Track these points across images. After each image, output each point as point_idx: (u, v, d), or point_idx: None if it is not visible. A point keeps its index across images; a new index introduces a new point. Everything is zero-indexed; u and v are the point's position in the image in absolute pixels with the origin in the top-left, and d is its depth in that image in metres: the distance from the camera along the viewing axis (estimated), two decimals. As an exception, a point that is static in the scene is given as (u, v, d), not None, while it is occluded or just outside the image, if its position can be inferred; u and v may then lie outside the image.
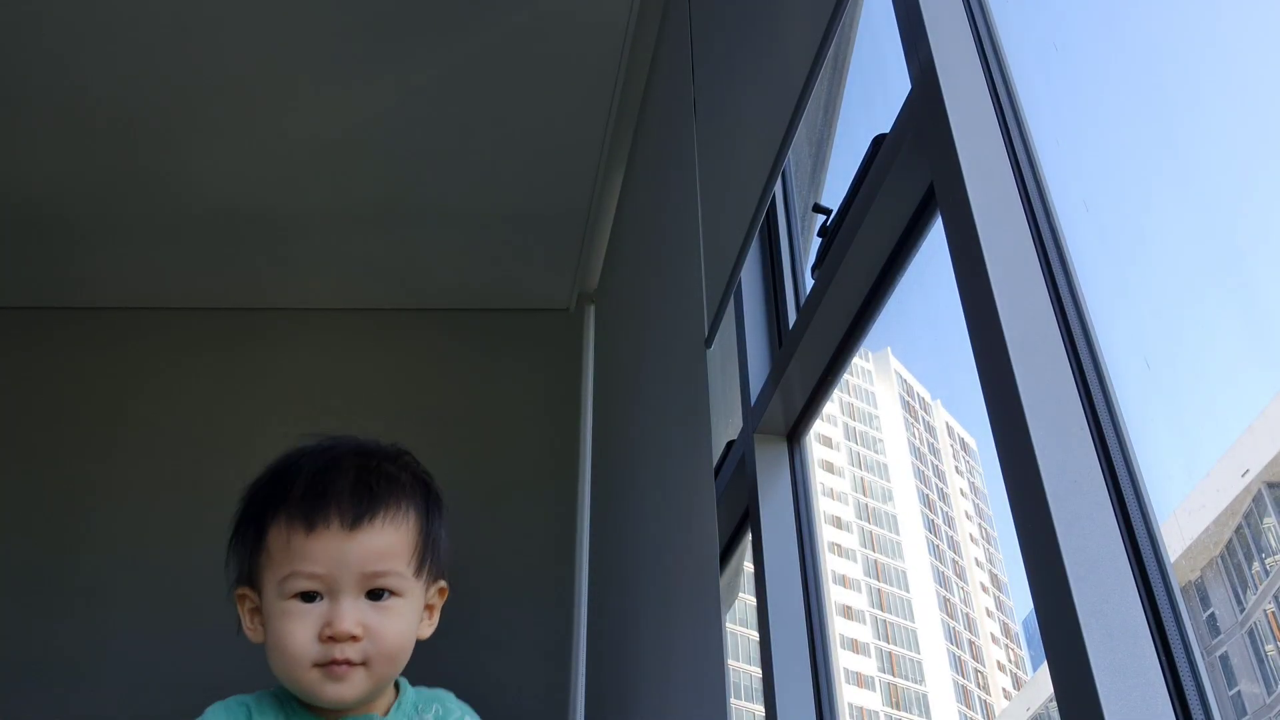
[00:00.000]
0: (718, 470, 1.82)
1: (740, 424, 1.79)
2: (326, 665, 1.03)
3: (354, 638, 1.04)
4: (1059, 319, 0.88)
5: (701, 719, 1.37)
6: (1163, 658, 0.73)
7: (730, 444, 1.86)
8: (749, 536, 1.66)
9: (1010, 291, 0.88)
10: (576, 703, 2.47)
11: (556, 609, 2.60)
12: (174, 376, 2.93)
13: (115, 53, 2.30)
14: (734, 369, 1.87)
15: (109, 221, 2.78)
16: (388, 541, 1.07)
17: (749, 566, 1.69)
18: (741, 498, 1.70)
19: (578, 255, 2.90)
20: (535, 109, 2.45)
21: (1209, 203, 1.06)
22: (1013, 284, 0.89)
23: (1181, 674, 0.72)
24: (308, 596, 1.05)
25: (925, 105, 1.06)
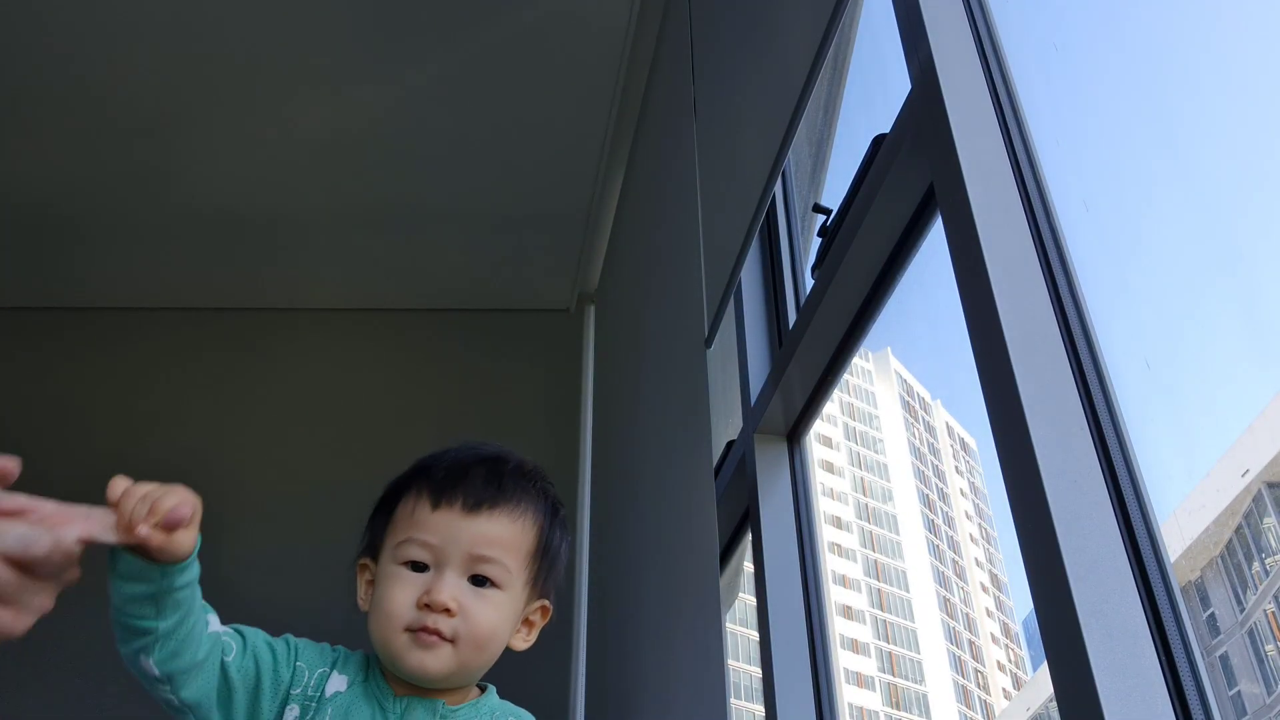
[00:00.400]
0: (718, 470, 1.82)
1: (740, 424, 1.79)
2: (417, 631, 1.07)
3: (448, 611, 1.07)
4: (1059, 319, 0.88)
5: (701, 719, 1.37)
6: (1163, 658, 0.73)
7: (730, 444, 1.86)
8: (749, 536, 1.66)
9: (1010, 291, 0.88)
10: (576, 703, 2.47)
11: (557, 609, 2.60)
12: (174, 376, 2.93)
13: (117, 53, 2.30)
14: (734, 369, 1.87)
15: (110, 222, 2.78)
16: (502, 532, 1.12)
17: (749, 566, 1.69)
18: (741, 498, 1.70)
19: (578, 255, 2.90)
20: (535, 110, 2.45)
21: (1209, 203, 1.06)
22: (1013, 284, 0.89)
23: (1181, 674, 0.72)
24: (417, 567, 1.10)
25: (925, 105, 1.06)
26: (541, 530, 1.16)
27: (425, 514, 1.11)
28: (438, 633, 1.07)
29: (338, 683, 1.11)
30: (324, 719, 1.08)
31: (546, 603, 1.19)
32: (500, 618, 1.11)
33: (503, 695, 1.18)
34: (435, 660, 1.07)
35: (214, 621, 1.05)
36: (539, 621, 1.19)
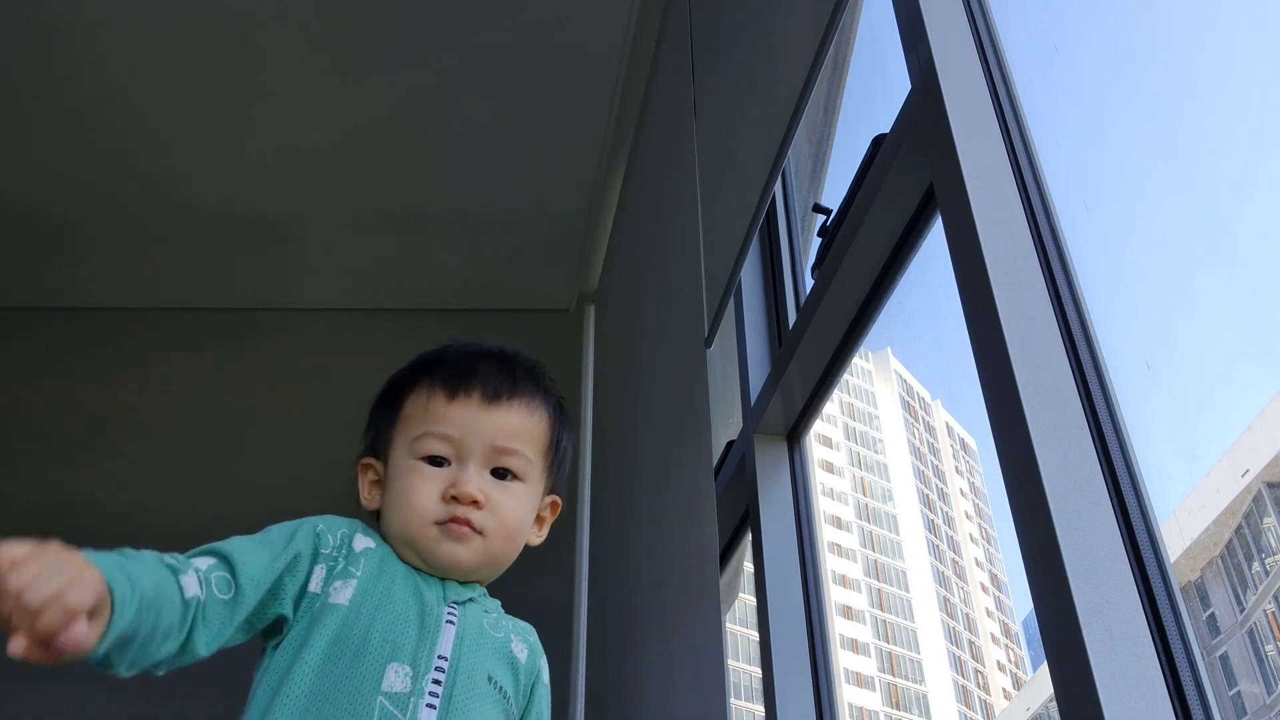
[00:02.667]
0: (718, 470, 1.82)
1: (740, 424, 1.79)
2: (447, 523, 1.06)
3: (476, 503, 1.06)
4: (1059, 319, 0.88)
5: (701, 719, 1.37)
6: (1163, 658, 0.73)
7: (730, 444, 1.86)
8: (749, 536, 1.66)
9: (1010, 291, 0.88)
10: (576, 703, 2.47)
11: (557, 609, 2.60)
12: (174, 377, 2.93)
13: (117, 54, 2.30)
14: (734, 369, 1.87)
15: (110, 222, 2.78)
16: (522, 424, 1.11)
17: (749, 566, 1.69)
18: (741, 498, 1.70)
19: (578, 255, 2.90)
20: (536, 110, 2.45)
21: (1208, 202, 1.06)
22: (1013, 284, 0.89)
23: (1181, 674, 0.72)
24: (435, 461, 1.08)
25: (925, 105, 1.06)
26: (553, 425, 1.16)
27: (441, 406, 1.09)
28: (468, 523, 1.06)
29: (365, 541, 1.08)
30: (355, 568, 1.04)
31: (557, 498, 1.18)
32: (523, 509, 1.11)
33: None
34: (468, 551, 1.06)
35: (189, 585, 0.90)
36: (549, 517, 1.18)
